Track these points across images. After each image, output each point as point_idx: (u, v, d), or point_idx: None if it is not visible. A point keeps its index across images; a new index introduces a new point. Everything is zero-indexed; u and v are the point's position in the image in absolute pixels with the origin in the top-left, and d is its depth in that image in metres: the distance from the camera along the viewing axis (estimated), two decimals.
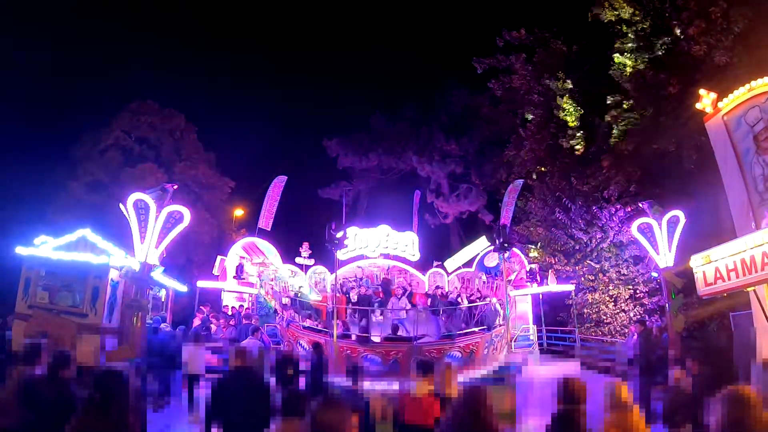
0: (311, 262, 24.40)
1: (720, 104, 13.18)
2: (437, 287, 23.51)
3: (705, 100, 13.49)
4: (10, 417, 5.72)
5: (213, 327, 18.04)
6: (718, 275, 11.59)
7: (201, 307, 19.71)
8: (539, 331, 23.38)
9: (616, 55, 20.51)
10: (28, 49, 34.91)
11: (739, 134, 12.61)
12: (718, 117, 13.17)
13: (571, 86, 22.48)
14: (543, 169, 25.44)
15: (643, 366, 13.19)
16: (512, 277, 23.05)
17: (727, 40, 17.10)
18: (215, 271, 22.36)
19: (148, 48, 43.75)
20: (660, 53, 19.49)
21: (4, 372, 6.62)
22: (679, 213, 16.25)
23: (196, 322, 17.86)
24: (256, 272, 22.69)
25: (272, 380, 11.16)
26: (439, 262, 26.08)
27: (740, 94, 12.66)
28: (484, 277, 24.18)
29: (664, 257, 16.31)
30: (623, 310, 22.58)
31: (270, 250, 23.56)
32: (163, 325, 15.28)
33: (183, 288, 20.01)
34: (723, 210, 14.72)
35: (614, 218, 22.83)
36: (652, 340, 13.98)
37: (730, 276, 11.19)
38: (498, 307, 19.36)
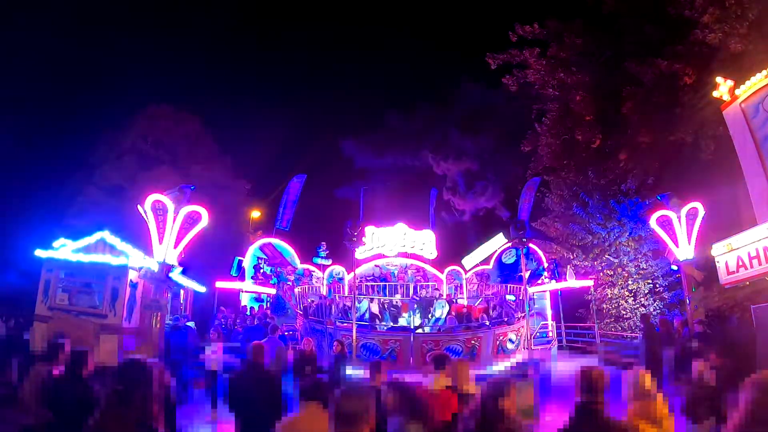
0: (329, 262, 24.44)
1: (737, 91, 13.04)
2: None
3: (722, 87, 13.36)
4: (30, 415, 5.76)
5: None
6: (740, 263, 11.48)
7: (221, 307, 19.84)
8: (558, 327, 23.27)
9: None
10: (45, 54, 35.22)
11: (758, 121, 12.46)
12: (736, 105, 13.03)
13: (586, 79, 22.31)
14: (556, 164, 25.26)
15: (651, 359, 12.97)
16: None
17: (742, 27, 16.86)
18: (233, 272, 22.48)
19: (163, 52, 44.00)
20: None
21: (24, 372, 6.67)
22: (698, 204, 16.10)
23: (216, 322, 17.98)
24: (273, 273, 22.79)
25: (291, 378, 11.22)
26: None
27: (757, 80, 12.51)
28: None
29: (684, 250, 16.17)
30: (643, 305, 22.39)
31: (287, 251, 23.65)
32: (190, 323, 15.48)
33: (202, 289, 20.11)
34: (743, 200, 14.55)
35: (632, 212, 22.65)
36: (655, 333, 13.82)
37: (753, 263, 11.09)
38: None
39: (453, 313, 19.31)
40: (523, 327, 18.77)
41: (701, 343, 11.36)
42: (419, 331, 17.98)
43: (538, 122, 24.95)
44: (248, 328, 16.38)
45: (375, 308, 20.90)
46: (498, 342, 17.84)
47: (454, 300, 22.07)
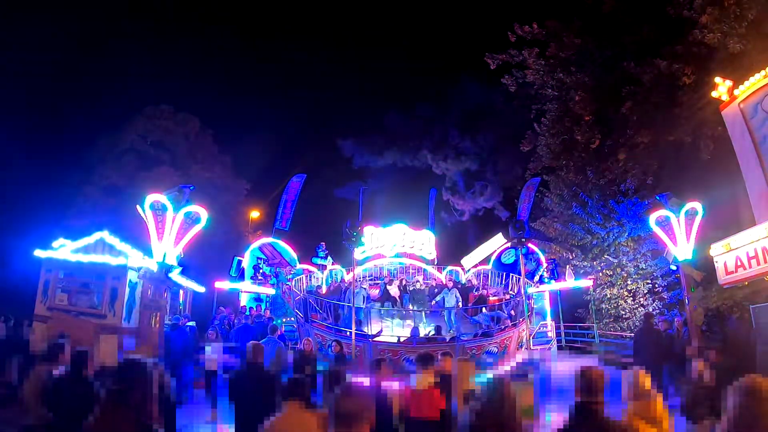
0: (328, 262, 24.41)
1: (736, 92, 13.04)
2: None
3: (721, 88, 13.36)
4: (30, 415, 5.77)
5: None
6: (738, 263, 11.49)
7: (219, 307, 19.83)
8: (557, 327, 23.25)
9: None
10: (44, 55, 35.18)
11: (756, 121, 12.47)
12: (735, 105, 13.04)
13: (585, 79, 22.30)
14: (555, 164, 25.25)
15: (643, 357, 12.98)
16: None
17: (741, 27, 16.85)
18: (232, 272, 22.47)
19: (162, 52, 43.92)
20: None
21: (24, 372, 6.68)
22: (697, 204, 16.09)
23: (216, 322, 17.96)
24: (273, 273, 22.77)
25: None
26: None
27: (756, 80, 12.52)
28: None
29: (683, 250, 16.15)
30: (642, 305, 22.37)
31: (286, 251, 23.64)
32: (191, 323, 15.50)
33: (201, 289, 20.11)
34: (742, 200, 14.56)
35: (631, 212, 22.65)
36: (651, 332, 13.84)
37: (751, 264, 11.10)
38: None
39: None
40: (511, 336, 18.64)
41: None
42: (377, 339, 17.86)
43: (538, 122, 24.93)
44: (239, 328, 16.32)
45: (394, 290, 20.93)
46: (469, 355, 17.57)
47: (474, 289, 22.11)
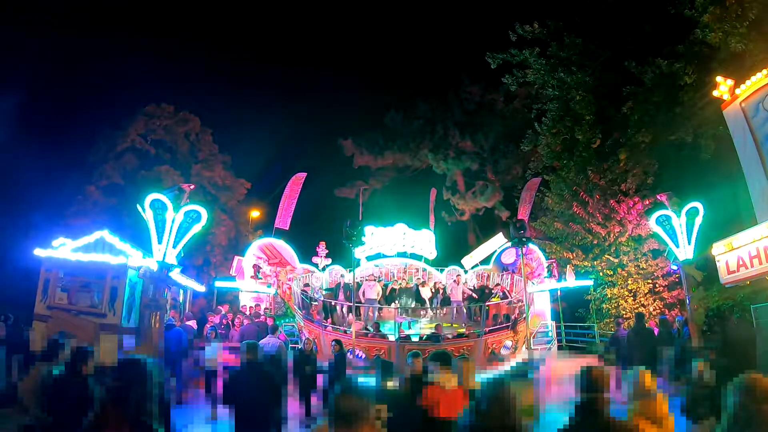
0: (328, 261, 24.39)
1: (737, 91, 12.99)
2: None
3: (722, 87, 13.31)
4: (30, 415, 5.75)
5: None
6: (740, 263, 11.45)
7: (218, 306, 19.81)
8: (558, 327, 23.21)
9: None
10: (44, 54, 35.16)
11: (758, 120, 12.42)
12: (736, 104, 12.99)
13: (586, 79, 22.24)
14: (556, 163, 25.21)
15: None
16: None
17: (742, 26, 16.81)
18: (232, 272, 22.45)
19: (162, 51, 43.90)
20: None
21: (24, 371, 6.66)
22: (698, 204, 16.06)
23: (216, 320, 17.92)
24: (273, 272, 22.72)
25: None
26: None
27: (758, 79, 12.47)
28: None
29: (684, 249, 16.13)
30: (643, 305, 22.32)
31: (286, 250, 23.60)
32: (190, 322, 15.47)
33: (201, 288, 20.09)
34: (743, 199, 14.54)
35: (632, 211, 22.59)
36: (645, 332, 13.79)
37: (753, 263, 11.06)
38: None
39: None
40: (471, 345, 18.34)
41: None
42: (328, 329, 18.52)
43: (538, 122, 24.87)
44: (242, 327, 16.38)
45: (426, 293, 21.20)
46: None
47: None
